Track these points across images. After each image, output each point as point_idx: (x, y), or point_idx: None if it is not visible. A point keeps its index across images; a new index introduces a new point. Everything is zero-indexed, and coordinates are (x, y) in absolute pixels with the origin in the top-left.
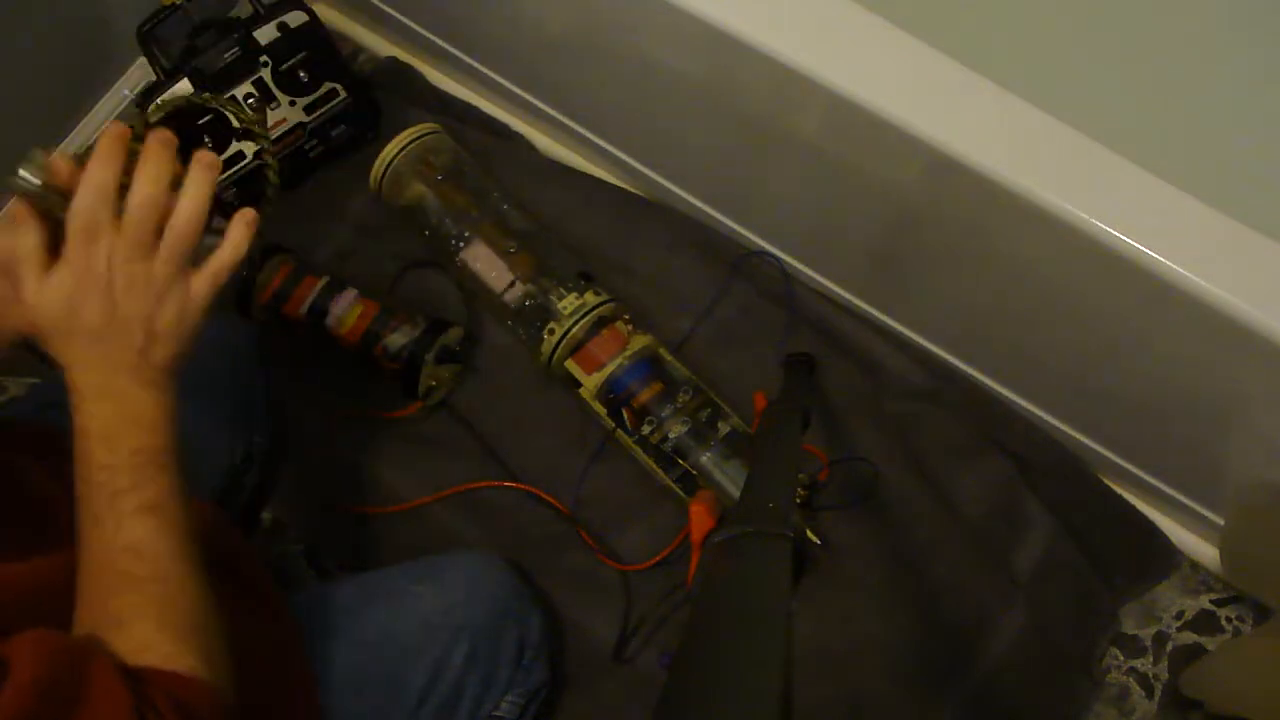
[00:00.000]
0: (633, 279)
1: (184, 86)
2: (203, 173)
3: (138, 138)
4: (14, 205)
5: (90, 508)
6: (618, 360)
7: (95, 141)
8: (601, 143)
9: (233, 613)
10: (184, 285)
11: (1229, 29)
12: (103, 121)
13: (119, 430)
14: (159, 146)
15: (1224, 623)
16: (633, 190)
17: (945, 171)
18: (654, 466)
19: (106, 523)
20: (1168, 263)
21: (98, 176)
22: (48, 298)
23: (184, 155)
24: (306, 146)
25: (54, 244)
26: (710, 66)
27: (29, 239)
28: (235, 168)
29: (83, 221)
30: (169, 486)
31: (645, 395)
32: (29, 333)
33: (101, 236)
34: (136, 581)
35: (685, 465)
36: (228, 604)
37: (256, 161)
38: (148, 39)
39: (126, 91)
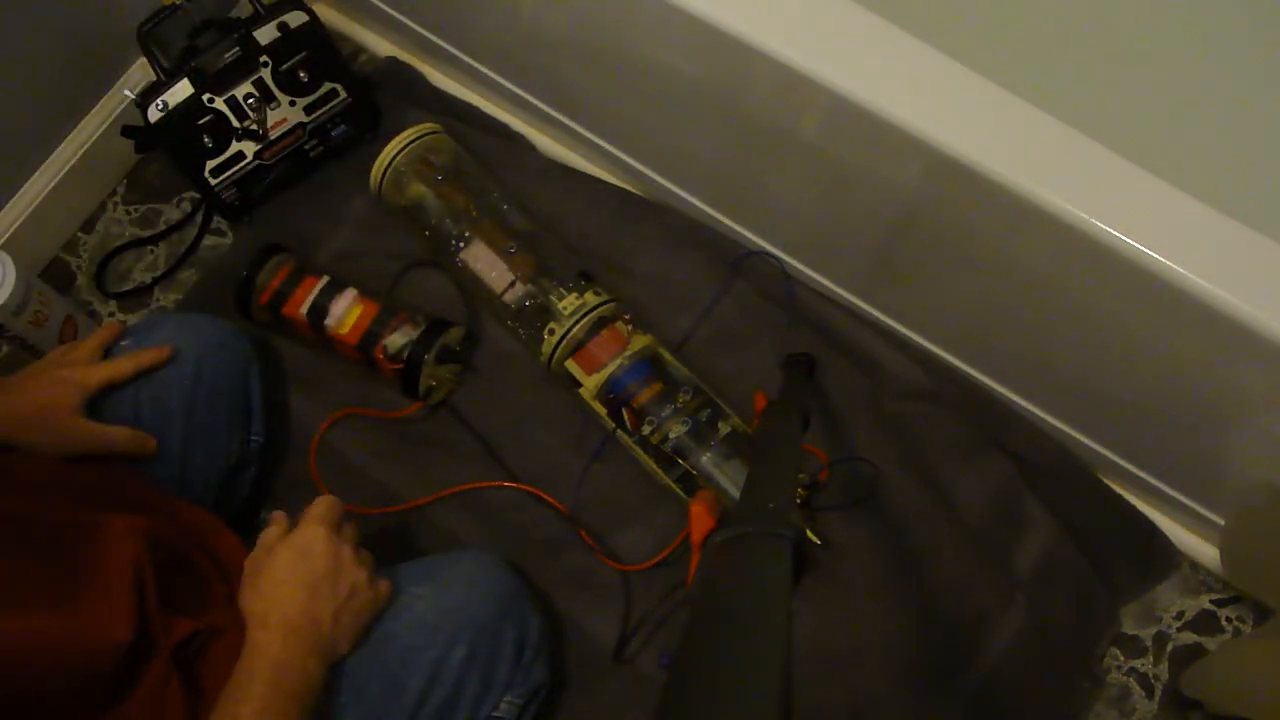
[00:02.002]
0: (633, 279)
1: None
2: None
3: None
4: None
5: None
6: (618, 360)
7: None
8: (601, 143)
9: (234, 610)
10: (375, 586)
11: (1229, 29)
12: (103, 121)
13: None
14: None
15: (1224, 623)
16: (633, 190)
17: (945, 172)
18: (654, 466)
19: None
20: (1168, 263)
21: (332, 499)
22: (281, 547)
23: (185, 158)
24: (306, 146)
25: None
26: (710, 67)
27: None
28: (235, 168)
29: (320, 513)
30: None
31: (645, 395)
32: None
33: (329, 525)
34: None
35: (685, 465)
36: (226, 604)
37: (256, 161)
38: (148, 39)
39: (127, 92)
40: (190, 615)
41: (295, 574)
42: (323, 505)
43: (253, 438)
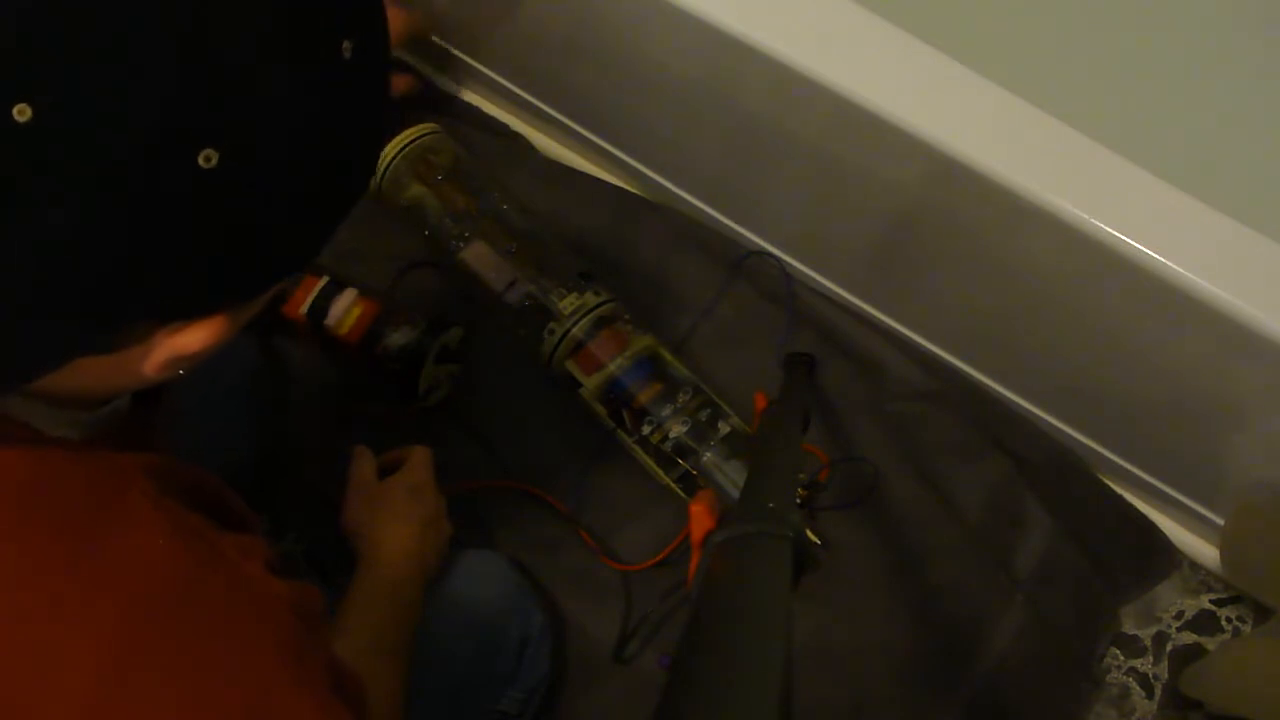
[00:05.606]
0: (633, 279)
1: None
2: None
3: None
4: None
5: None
6: (618, 360)
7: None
8: (601, 143)
9: None
10: (447, 523)
11: (1229, 29)
12: None
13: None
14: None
15: (1224, 623)
16: (633, 190)
17: (945, 172)
18: (654, 466)
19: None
20: (1168, 263)
21: (429, 450)
22: (395, 483)
23: None
24: None
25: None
26: (710, 67)
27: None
28: None
29: (427, 460)
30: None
31: (645, 395)
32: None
33: (432, 472)
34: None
35: (685, 465)
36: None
37: None
38: None
39: None
40: None
41: (411, 511)
42: (426, 454)
43: (255, 439)
